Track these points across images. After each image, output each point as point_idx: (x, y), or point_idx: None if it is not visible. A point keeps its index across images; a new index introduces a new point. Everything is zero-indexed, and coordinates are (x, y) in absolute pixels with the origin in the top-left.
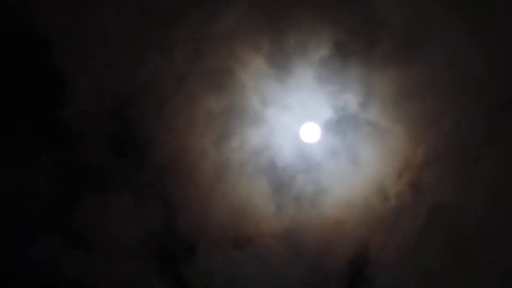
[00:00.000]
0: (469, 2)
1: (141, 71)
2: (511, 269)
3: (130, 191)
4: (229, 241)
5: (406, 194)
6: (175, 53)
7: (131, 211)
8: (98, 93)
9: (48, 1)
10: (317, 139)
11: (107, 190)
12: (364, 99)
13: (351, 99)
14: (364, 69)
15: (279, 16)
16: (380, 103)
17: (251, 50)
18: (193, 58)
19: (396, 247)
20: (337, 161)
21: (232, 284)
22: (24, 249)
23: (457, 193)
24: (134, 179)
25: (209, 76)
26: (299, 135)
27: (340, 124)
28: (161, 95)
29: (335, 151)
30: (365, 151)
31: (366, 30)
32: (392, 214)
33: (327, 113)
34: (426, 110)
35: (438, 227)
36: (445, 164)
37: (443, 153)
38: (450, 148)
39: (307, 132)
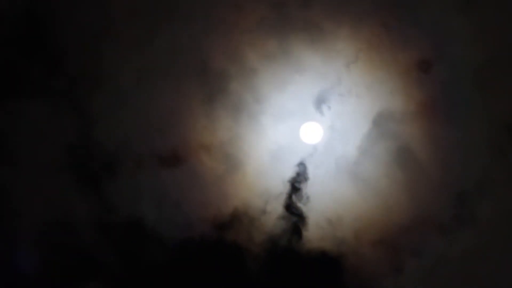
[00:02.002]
0: None
1: None
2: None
3: (43, 100)
4: (156, 156)
5: (348, 101)
6: None
7: (44, 121)
8: None
9: None
10: (253, 41)
11: (18, 98)
12: None
13: None
14: None
15: None
16: (323, 2)
17: None
18: None
19: (336, 159)
20: (275, 66)
21: (162, 205)
22: None
23: (403, 100)
24: (47, 87)
25: None
26: (234, 34)
27: (278, 25)
28: None
29: (272, 54)
30: (306, 55)
31: None
32: (332, 124)
33: (263, 12)
34: (372, 11)
35: (381, 136)
36: (391, 68)
37: (389, 57)
38: (397, 52)
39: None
